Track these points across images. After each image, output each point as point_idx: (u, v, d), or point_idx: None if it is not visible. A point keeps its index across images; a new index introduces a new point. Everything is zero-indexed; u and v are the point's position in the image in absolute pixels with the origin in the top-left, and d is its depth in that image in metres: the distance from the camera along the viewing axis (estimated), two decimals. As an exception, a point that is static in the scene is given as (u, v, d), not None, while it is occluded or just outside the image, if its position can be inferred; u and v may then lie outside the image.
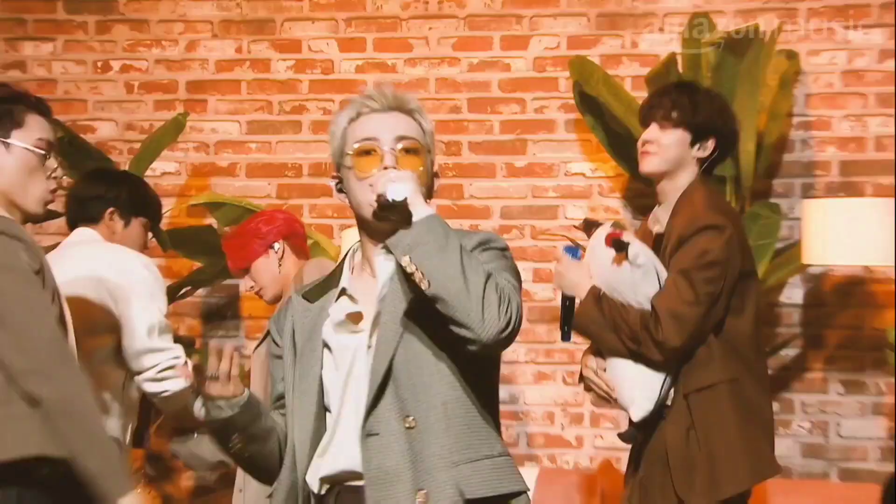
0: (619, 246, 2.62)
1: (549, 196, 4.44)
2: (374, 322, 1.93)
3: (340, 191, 2.00)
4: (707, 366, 2.68)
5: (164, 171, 4.58)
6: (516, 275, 1.97)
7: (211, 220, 4.33)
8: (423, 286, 1.81)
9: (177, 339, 4.21)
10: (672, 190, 2.80)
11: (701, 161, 2.81)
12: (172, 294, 4.07)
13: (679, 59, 4.01)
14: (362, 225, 1.97)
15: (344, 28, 4.54)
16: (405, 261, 1.83)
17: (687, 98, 2.84)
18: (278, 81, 4.58)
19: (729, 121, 2.87)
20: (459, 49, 4.49)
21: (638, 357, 2.67)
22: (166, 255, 4.30)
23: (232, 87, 4.59)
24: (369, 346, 1.92)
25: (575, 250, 2.75)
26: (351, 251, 2.04)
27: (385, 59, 4.52)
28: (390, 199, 1.84)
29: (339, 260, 2.07)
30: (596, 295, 2.68)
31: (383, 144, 1.93)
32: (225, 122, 4.59)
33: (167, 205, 4.42)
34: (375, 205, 1.90)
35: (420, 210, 1.87)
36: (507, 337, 1.85)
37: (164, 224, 4.25)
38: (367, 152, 1.93)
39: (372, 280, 1.96)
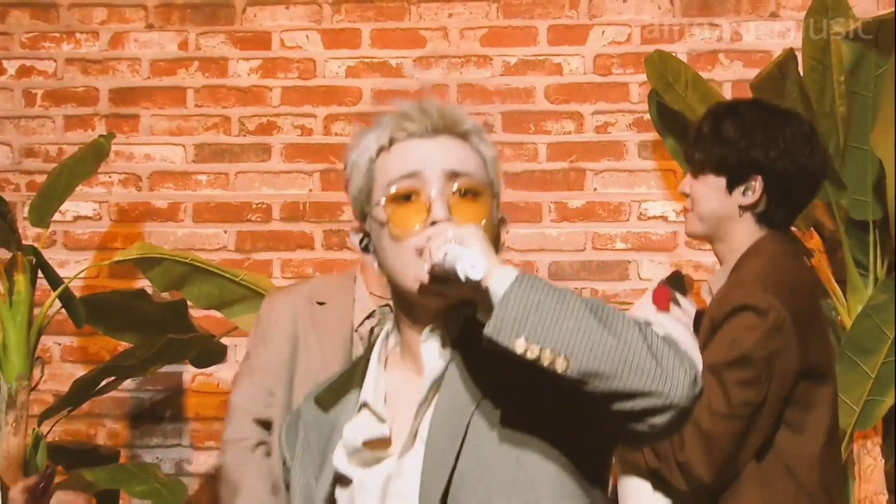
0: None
1: (617, 248, 4.45)
2: (411, 437, 1.88)
3: (366, 249, 1.95)
4: (735, 497, 2.67)
5: (77, 215, 4.57)
6: None
7: (143, 283, 4.29)
8: (560, 367, 1.72)
9: (94, 450, 4.13)
10: (729, 252, 2.83)
11: (756, 210, 2.80)
12: (88, 387, 4.04)
13: (799, 58, 3.99)
14: (400, 300, 1.93)
15: (330, 15, 4.57)
16: (520, 344, 1.73)
17: (709, 126, 2.81)
18: (239, 89, 4.58)
19: (777, 145, 2.79)
20: (491, 44, 4.52)
21: (657, 480, 2.69)
22: (80, 332, 4.27)
23: (174, 98, 4.60)
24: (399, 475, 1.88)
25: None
26: (383, 335, 2.00)
27: (387, 57, 4.55)
28: (463, 278, 1.73)
29: (367, 348, 2.05)
30: None
31: (429, 186, 1.86)
32: (164, 145, 4.60)
33: (82, 261, 4.45)
34: (425, 277, 1.82)
35: (502, 275, 1.75)
36: (699, 392, 1.77)
37: (78, 289, 4.26)
38: (405, 197, 1.87)
39: (415, 377, 1.91)
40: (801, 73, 3.96)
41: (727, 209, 2.78)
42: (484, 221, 1.85)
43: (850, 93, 3.93)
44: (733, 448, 2.65)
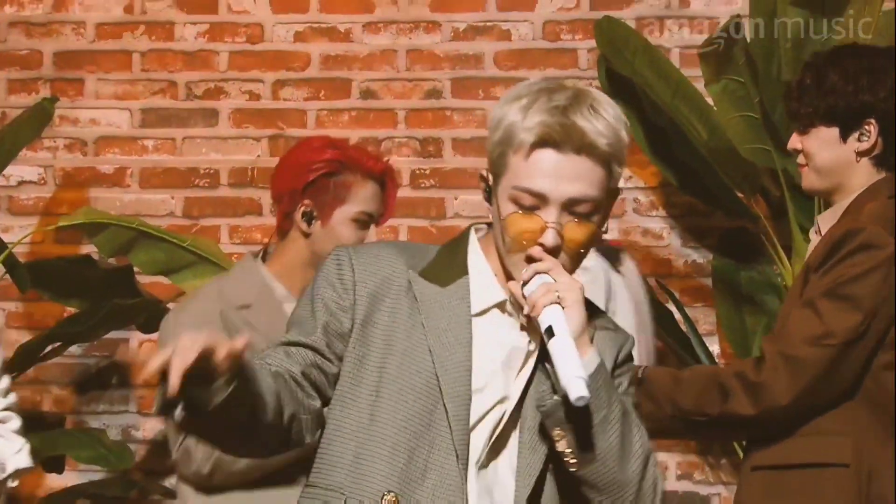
0: None
1: None
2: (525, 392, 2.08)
3: (488, 200, 2.11)
4: (818, 431, 2.69)
5: (21, 180, 4.57)
6: None
7: (89, 248, 4.28)
8: (570, 463, 2.00)
9: (39, 416, 4.17)
10: (847, 195, 2.85)
11: (872, 154, 2.82)
12: (33, 353, 4.05)
13: (746, 24, 4.02)
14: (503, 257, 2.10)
15: (278, -21, 4.56)
16: (555, 428, 1.99)
17: (812, 77, 2.82)
18: (185, 54, 4.59)
19: (885, 85, 2.81)
20: (439, 9, 4.52)
21: (714, 429, 2.80)
22: (25, 297, 4.28)
23: (119, 62, 4.58)
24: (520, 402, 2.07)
25: None
26: (473, 236, 2.15)
27: (335, 22, 4.54)
28: (563, 388, 1.94)
29: (456, 241, 2.17)
30: (633, 374, 2.81)
31: (549, 210, 2.02)
32: (109, 110, 4.59)
33: (27, 226, 4.43)
34: (512, 291, 2.05)
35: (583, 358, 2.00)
36: None
37: (23, 254, 4.27)
38: (526, 208, 2.03)
39: (508, 318, 2.10)
40: (749, 40, 3.98)
41: (844, 158, 2.81)
42: (583, 248, 2.05)
43: (796, 59, 3.88)
44: (822, 377, 2.67)
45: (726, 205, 4.20)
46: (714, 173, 4.07)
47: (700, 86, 4.10)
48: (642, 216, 4.44)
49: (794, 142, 2.88)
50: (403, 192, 4.06)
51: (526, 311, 2.01)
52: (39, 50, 4.59)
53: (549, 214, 2.01)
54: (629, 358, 2.15)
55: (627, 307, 3.12)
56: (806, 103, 2.82)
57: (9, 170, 4.28)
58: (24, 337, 4.27)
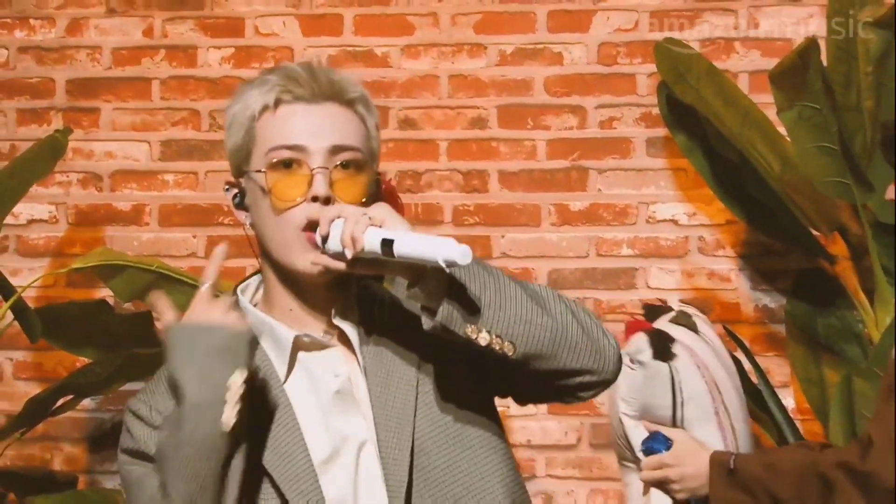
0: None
1: (624, 254, 4.47)
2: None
3: (241, 207, 2.07)
4: None
5: (32, 218, 4.63)
6: None
7: (104, 292, 4.33)
8: (508, 352, 1.91)
9: (49, 476, 4.10)
10: None
11: None
12: (43, 407, 4.04)
13: (823, 46, 3.97)
14: (278, 270, 2.02)
15: (309, -1, 4.65)
16: (472, 331, 1.89)
17: None
18: (209, 80, 4.62)
19: None
20: (485, 31, 4.56)
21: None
22: (34, 347, 4.25)
23: (138, 90, 4.64)
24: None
25: (662, 440, 2.93)
26: (248, 291, 2.10)
27: (372, 45, 4.58)
28: (444, 265, 1.81)
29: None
30: (723, 465, 2.77)
31: (312, 159, 1.97)
32: (127, 141, 4.63)
33: (37, 269, 4.48)
34: (328, 261, 1.93)
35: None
36: (621, 360, 2.03)
37: (33, 299, 4.30)
38: (286, 165, 1.98)
39: (325, 347, 2.03)
40: (825, 64, 3.94)
41: None
42: (363, 201, 1.98)
43: (878, 85, 3.90)
44: None
45: (801, 244, 4.18)
46: (787, 210, 4.05)
47: (772, 113, 4.06)
48: (708, 256, 4.41)
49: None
50: (446, 230, 4.16)
51: (348, 255, 1.89)
52: (52, 77, 4.64)
53: (314, 161, 1.96)
54: None
55: (702, 396, 3.10)
56: None
57: (18, 207, 4.29)
58: (34, 389, 4.27)
